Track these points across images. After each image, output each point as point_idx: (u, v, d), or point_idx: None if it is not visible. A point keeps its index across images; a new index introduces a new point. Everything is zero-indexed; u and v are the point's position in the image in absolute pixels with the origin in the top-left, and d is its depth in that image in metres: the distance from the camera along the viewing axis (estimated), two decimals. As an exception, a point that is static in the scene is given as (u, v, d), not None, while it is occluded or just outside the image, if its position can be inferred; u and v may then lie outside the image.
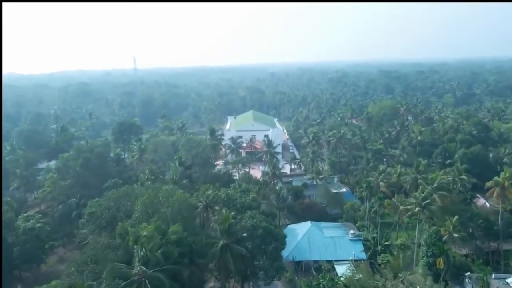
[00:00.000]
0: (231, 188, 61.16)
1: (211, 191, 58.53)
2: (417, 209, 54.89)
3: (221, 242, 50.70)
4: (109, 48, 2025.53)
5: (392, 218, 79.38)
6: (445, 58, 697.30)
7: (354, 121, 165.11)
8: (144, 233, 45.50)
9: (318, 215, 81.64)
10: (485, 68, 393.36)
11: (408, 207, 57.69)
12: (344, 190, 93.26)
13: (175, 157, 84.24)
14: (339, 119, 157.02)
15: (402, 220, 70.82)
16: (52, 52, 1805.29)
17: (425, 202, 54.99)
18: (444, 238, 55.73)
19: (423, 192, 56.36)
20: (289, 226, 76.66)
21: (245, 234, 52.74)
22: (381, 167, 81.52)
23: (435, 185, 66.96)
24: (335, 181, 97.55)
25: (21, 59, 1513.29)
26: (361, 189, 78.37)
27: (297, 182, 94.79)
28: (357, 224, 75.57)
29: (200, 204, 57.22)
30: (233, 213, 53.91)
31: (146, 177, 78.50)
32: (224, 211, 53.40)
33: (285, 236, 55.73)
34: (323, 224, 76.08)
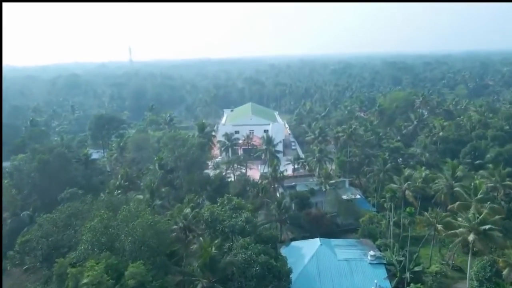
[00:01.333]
0: (218, 204, 46.30)
1: (189, 209, 43.72)
2: (472, 236, 39.72)
3: (200, 284, 36.42)
4: (106, 41, 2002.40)
5: (416, 232, 65.38)
6: (447, 50, 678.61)
7: (362, 114, 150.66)
8: (86, 280, 31.23)
9: (328, 228, 67.84)
10: (493, 59, 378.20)
11: (457, 231, 42.23)
12: (358, 196, 78.89)
13: (155, 159, 69.84)
14: (346, 112, 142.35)
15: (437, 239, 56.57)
16: (48, 44, 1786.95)
17: (485, 227, 39.49)
18: (504, 273, 41.15)
19: (480, 214, 40.89)
20: (293, 243, 62.28)
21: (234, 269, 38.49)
22: (407, 172, 66.53)
23: (479, 196, 52.52)
24: (347, 185, 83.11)
25: (16, 51, 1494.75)
26: (383, 199, 63.94)
27: (301, 187, 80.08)
28: (377, 242, 61.19)
29: (175, 227, 42.47)
30: (217, 240, 39.51)
31: (118, 183, 64.07)
32: (202, 238, 38.64)
33: (290, 272, 41.46)
34: (334, 241, 61.70)
